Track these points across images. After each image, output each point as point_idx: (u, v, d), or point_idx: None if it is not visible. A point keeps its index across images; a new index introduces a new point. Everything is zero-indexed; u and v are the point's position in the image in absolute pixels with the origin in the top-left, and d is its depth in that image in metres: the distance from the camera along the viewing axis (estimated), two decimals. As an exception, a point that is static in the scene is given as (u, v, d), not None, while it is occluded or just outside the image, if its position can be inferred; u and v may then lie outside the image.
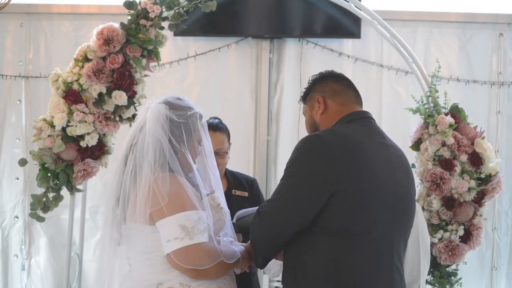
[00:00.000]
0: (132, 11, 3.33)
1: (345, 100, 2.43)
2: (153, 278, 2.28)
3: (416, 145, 3.53)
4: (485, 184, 3.44)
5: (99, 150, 3.34)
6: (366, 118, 2.40)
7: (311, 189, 2.19)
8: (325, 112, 2.42)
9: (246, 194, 3.33)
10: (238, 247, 2.46)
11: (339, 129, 2.32)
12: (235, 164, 4.21)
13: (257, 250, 2.37)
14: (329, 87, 2.44)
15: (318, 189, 2.18)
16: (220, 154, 3.20)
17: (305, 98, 2.51)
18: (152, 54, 3.36)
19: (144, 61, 3.33)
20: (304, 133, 4.44)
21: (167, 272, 2.27)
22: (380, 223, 2.24)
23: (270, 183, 4.56)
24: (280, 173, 4.55)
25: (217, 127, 3.24)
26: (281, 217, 2.22)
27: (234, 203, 3.19)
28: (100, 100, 3.27)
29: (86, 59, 3.27)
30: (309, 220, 2.20)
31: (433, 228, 3.42)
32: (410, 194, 2.39)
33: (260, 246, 2.33)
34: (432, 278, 3.50)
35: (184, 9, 3.34)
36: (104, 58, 3.27)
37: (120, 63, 3.26)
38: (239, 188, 3.32)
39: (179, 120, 2.33)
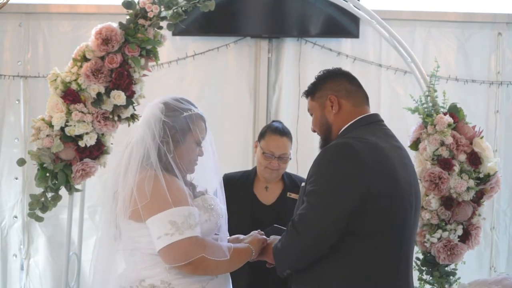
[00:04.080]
0: (130, 11, 3.32)
1: (358, 101, 2.44)
2: (136, 274, 2.31)
3: (415, 145, 3.53)
4: (483, 184, 3.45)
5: (98, 150, 3.34)
6: (378, 122, 2.43)
7: (348, 195, 2.19)
8: (338, 113, 2.41)
9: None
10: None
11: (362, 135, 2.32)
12: (234, 164, 4.22)
13: (288, 263, 2.34)
14: (343, 87, 2.44)
15: (354, 195, 2.19)
16: (283, 159, 3.24)
17: (314, 94, 2.48)
18: (150, 54, 3.36)
19: (142, 60, 3.33)
20: (303, 133, 4.48)
21: (150, 269, 2.29)
22: (403, 225, 2.29)
23: (269, 183, 4.55)
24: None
25: (283, 132, 3.26)
26: (324, 225, 2.19)
27: (288, 205, 3.21)
28: (98, 100, 3.27)
29: (84, 58, 3.27)
30: (344, 227, 2.20)
31: (432, 228, 3.43)
32: (419, 195, 2.45)
33: (294, 257, 2.29)
34: (431, 277, 3.50)
35: (183, 8, 3.33)
36: (102, 58, 3.26)
37: (119, 63, 3.25)
38: (294, 191, 3.30)
39: (173, 121, 2.33)
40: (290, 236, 2.27)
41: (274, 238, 2.50)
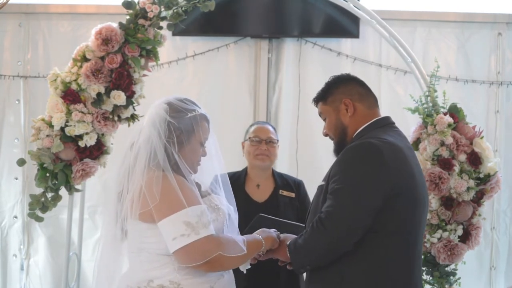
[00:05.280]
0: (130, 11, 3.32)
1: (370, 104, 2.51)
2: (144, 275, 2.30)
3: (415, 145, 3.53)
4: (484, 184, 3.44)
5: (98, 150, 3.34)
6: (391, 124, 2.51)
7: (373, 193, 2.24)
8: (353, 115, 2.47)
9: (293, 195, 3.42)
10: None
11: (380, 136, 2.37)
12: (233, 163, 4.21)
13: (309, 259, 2.35)
14: (356, 90, 2.50)
15: (378, 193, 2.24)
16: (271, 143, 3.40)
17: (326, 99, 2.53)
18: (150, 54, 3.36)
19: (142, 61, 3.33)
20: (303, 133, 4.48)
21: (158, 269, 2.28)
22: (419, 224, 2.36)
23: (269, 183, 4.55)
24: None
25: (265, 123, 3.58)
26: (351, 222, 2.23)
27: (281, 203, 3.36)
28: (98, 100, 3.27)
29: (84, 59, 3.27)
30: (370, 224, 2.25)
31: (432, 228, 3.43)
32: (428, 195, 2.52)
33: (316, 254, 2.31)
34: (431, 278, 3.50)
35: (183, 9, 3.34)
36: (102, 58, 3.26)
37: (119, 63, 3.25)
38: (286, 189, 3.42)
39: (178, 122, 2.33)
40: (316, 232, 2.28)
41: (287, 236, 2.52)
